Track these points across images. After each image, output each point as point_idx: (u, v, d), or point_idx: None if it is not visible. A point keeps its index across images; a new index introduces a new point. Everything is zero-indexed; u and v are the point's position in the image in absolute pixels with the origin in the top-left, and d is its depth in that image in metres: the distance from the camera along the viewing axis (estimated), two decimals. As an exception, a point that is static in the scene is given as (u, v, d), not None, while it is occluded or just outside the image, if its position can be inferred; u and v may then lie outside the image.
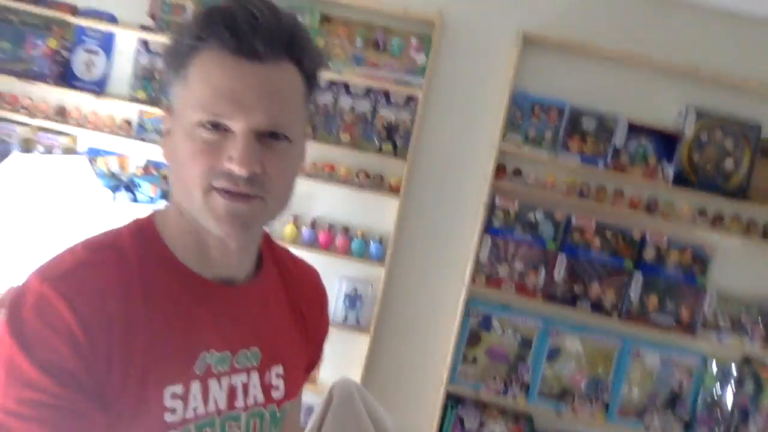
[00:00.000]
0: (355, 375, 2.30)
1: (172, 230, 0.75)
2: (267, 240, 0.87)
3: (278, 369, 0.82)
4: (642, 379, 2.37)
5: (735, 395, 2.35)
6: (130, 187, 2.50)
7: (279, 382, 0.82)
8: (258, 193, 0.69)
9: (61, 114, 2.54)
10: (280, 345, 0.82)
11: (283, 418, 0.84)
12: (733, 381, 2.36)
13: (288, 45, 0.69)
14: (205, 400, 0.74)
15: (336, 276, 2.36)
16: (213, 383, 0.74)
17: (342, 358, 2.35)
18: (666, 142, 2.30)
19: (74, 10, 2.47)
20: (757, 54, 2.28)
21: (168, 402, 0.70)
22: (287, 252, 0.91)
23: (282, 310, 0.85)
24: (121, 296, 0.69)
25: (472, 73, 2.32)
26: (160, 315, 0.71)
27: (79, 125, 2.52)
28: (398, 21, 2.32)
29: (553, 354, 2.37)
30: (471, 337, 2.37)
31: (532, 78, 2.30)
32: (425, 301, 2.39)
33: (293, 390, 0.85)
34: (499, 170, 2.30)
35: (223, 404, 0.75)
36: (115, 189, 2.47)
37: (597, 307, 2.33)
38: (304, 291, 0.89)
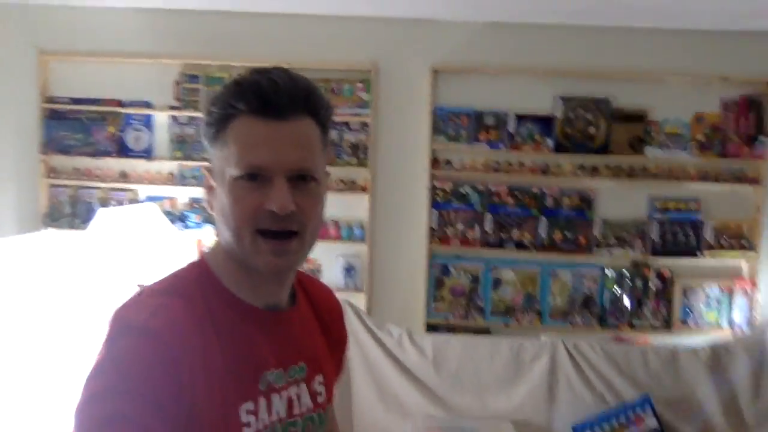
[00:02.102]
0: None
1: (224, 269, 0.87)
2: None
3: (320, 378, 0.94)
4: (561, 291, 3.33)
5: (629, 291, 3.31)
6: (182, 219, 3.50)
7: (321, 389, 0.94)
8: (296, 229, 0.82)
9: (124, 176, 3.52)
10: (318, 357, 0.95)
11: (327, 419, 0.97)
12: (626, 281, 3.32)
13: (305, 103, 0.83)
14: (270, 412, 0.85)
15: (334, 255, 3.35)
16: (275, 397, 0.86)
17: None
18: (545, 123, 3.27)
19: (121, 103, 3.46)
20: (594, 51, 3.24)
21: (243, 417, 0.82)
22: (307, 276, 1.04)
23: (314, 328, 0.97)
24: (198, 331, 0.79)
25: (403, 98, 3.30)
26: (228, 343, 0.82)
27: (138, 182, 3.51)
28: (346, 72, 3.31)
29: (496, 284, 3.34)
30: (436, 282, 3.35)
31: (445, 95, 3.28)
32: (399, 262, 3.37)
33: (330, 394, 0.98)
34: (434, 163, 3.28)
35: (283, 413, 0.87)
36: (172, 222, 3.47)
37: (520, 245, 3.30)
38: (326, 309, 1.01)
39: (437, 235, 3.30)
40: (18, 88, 3.41)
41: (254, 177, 0.80)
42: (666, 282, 3.28)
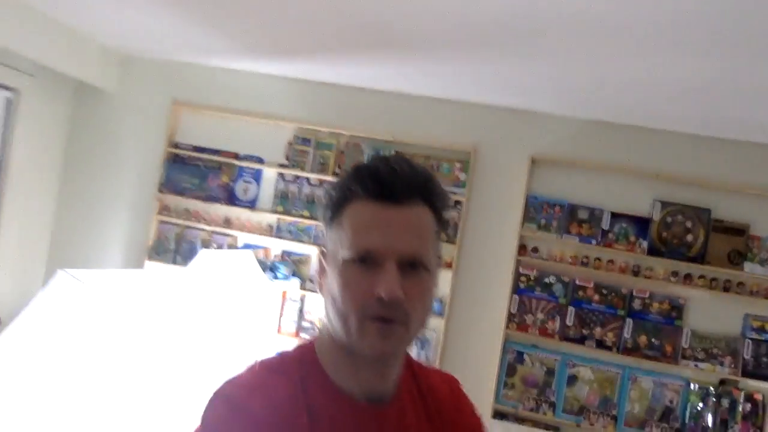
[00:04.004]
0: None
1: (328, 355, 0.86)
2: (407, 359, 0.94)
3: None
4: (640, 398, 3.19)
5: (714, 410, 3.12)
6: (272, 269, 3.69)
7: None
8: (401, 319, 0.79)
9: (227, 222, 3.80)
10: None
11: None
12: (712, 398, 3.14)
13: (422, 191, 0.83)
14: None
15: (412, 325, 3.40)
16: None
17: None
18: (641, 224, 3.25)
19: (237, 156, 3.76)
20: (698, 160, 3.23)
21: None
22: (422, 366, 0.98)
23: (418, 422, 0.90)
24: (288, 416, 0.80)
25: (499, 183, 3.40)
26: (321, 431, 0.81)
27: (239, 229, 3.76)
28: (447, 152, 3.46)
29: (571, 380, 3.25)
30: (509, 368, 3.31)
31: (540, 184, 3.35)
32: (474, 343, 3.36)
33: None
34: (521, 249, 3.32)
35: None
36: (263, 270, 3.67)
37: (601, 344, 3.22)
38: (441, 399, 0.94)
39: (515, 321, 3.29)
40: (149, 133, 3.81)
41: (365, 261, 0.80)
42: (757, 407, 3.07)
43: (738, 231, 3.19)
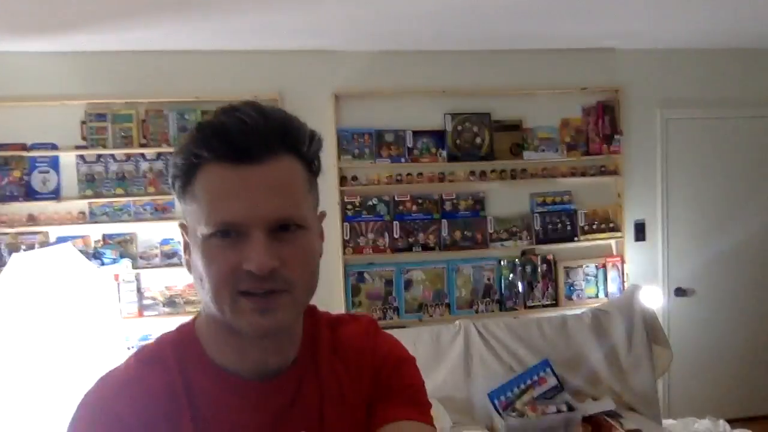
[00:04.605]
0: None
1: (209, 336, 0.79)
2: (310, 316, 0.87)
3: None
4: (465, 284, 3.73)
5: (521, 276, 3.77)
6: (97, 255, 3.53)
7: None
8: (282, 287, 0.71)
9: (32, 219, 3.50)
10: (327, 425, 0.81)
11: None
12: (518, 268, 3.78)
13: (282, 140, 0.72)
14: None
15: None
16: None
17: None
18: (438, 137, 3.67)
19: (25, 147, 3.45)
20: (475, 72, 3.71)
21: None
22: (338, 320, 0.91)
23: (331, 388, 0.83)
24: (164, 408, 0.74)
25: (310, 123, 3.56)
26: (204, 421, 0.75)
27: (47, 224, 3.51)
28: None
29: (407, 284, 3.68)
30: (353, 289, 3.63)
31: (347, 117, 3.60)
32: (321, 274, 3.61)
33: None
34: (342, 180, 3.58)
35: None
36: (87, 259, 3.50)
37: (425, 247, 3.66)
38: (357, 347, 0.87)
39: (350, 246, 3.59)
40: None
41: (228, 233, 0.71)
42: (551, 265, 3.77)
43: (514, 127, 3.77)
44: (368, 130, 3.61)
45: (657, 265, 3.88)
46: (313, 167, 0.79)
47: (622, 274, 3.79)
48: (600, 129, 3.82)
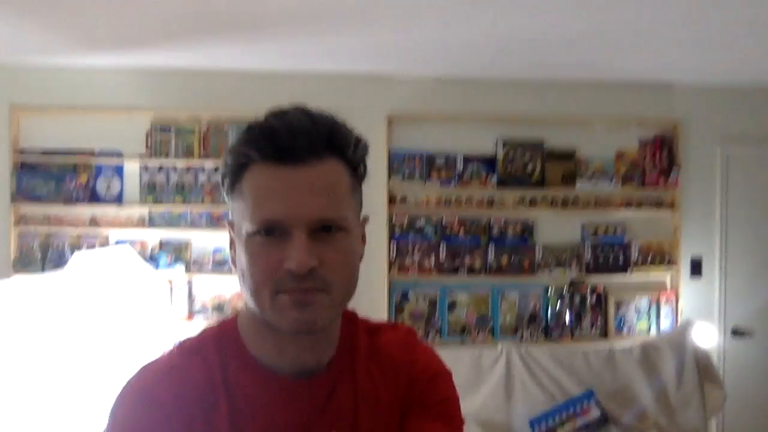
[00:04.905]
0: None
1: (250, 331, 0.80)
2: (349, 321, 0.88)
3: None
4: (510, 309, 3.67)
5: (569, 306, 3.68)
6: (153, 259, 3.66)
7: None
8: (320, 287, 0.73)
9: (94, 222, 3.67)
10: (360, 428, 0.82)
11: None
12: (566, 298, 3.69)
13: (328, 143, 0.75)
14: None
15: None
16: None
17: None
18: (489, 162, 3.68)
19: (93, 152, 3.64)
20: (530, 101, 3.71)
21: None
22: (376, 326, 0.91)
23: (366, 392, 0.83)
24: (203, 399, 0.75)
25: (362, 143, 3.64)
26: (241, 415, 0.76)
27: (108, 227, 3.67)
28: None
29: (451, 306, 3.65)
30: (397, 308, 3.63)
31: (399, 140, 3.65)
32: (363, 291, 3.60)
33: None
34: (391, 200, 3.62)
35: None
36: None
37: (471, 270, 3.64)
38: (394, 356, 0.87)
39: (396, 265, 3.60)
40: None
41: (271, 232, 0.73)
42: (600, 297, 3.68)
43: (567, 156, 3.73)
44: (419, 153, 3.65)
45: (713, 302, 3.73)
46: (357, 171, 0.81)
47: (676, 309, 3.66)
48: (657, 162, 3.74)
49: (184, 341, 0.83)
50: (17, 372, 1.99)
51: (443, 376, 0.89)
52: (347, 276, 0.77)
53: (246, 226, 0.74)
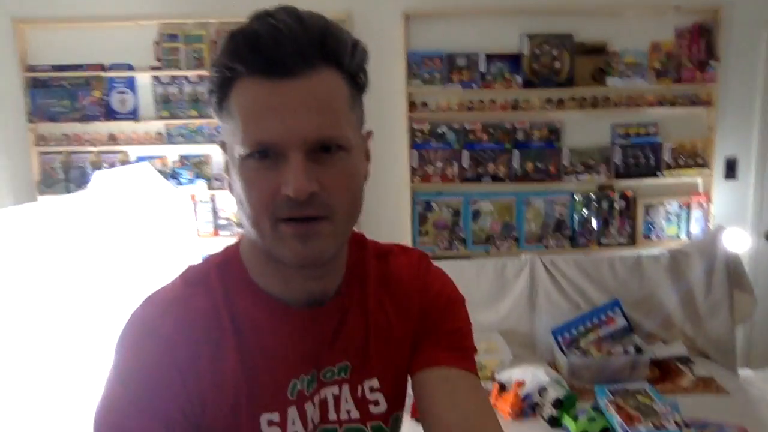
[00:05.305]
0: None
1: (252, 260, 0.76)
2: (358, 245, 0.85)
3: (372, 382, 0.80)
4: (535, 217, 3.61)
5: (597, 213, 3.60)
6: (174, 176, 3.65)
7: (377, 396, 0.80)
8: (322, 213, 0.67)
9: (113, 139, 3.64)
10: (371, 357, 0.80)
11: (396, 430, 0.83)
12: (593, 204, 3.60)
13: (320, 50, 0.66)
14: (304, 423, 0.75)
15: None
16: (308, 405, 0.76)
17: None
18: (513, 61, 3.47)
19: (104, 67, 3.54)
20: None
21: (265, 429, 0.73)
22: (386, 249, 0.88)
23: (378, 321, 0.81)
24: (208, 330, 0.72)
25: (378, 46, 3.44)
26: (248, 345, 0.73)
27: (127, 143, 3.64)
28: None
29: (475, 215, 3.60)
30: (420, 218, 3.59)
31: (417, 40, 3.45)
32: (385, 202, 3.59)
33: (400, 401, 0.84)
34: (411, 106, 3.47)
35: (317, 419, 0.77)
36: (165, 179, 3.62)
37: (495, 178, 3.54)
38: (405, 280, 0.84)
39: (418, 174, 3.52)
40: (-3, 60, 3.47)
41: (265, 154, 0.66)
42: (629, 202, 3.57)
43: (598, 50, 3.49)
44: (439, 54, 3.45)
45: (747, 206, 3.59)
46: (357, 81, 0.72)
47: (707, 214, 3.54)
48: (694, 54, 3.48)
49: (187, 270, 0.79)
50: (47, 296, 2.03)
51: (456, 303, 0.87)
52: (351, 199, 0.71)
53: (238, 149, 0.67)
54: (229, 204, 3.64)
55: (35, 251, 2.03)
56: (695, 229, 3.55)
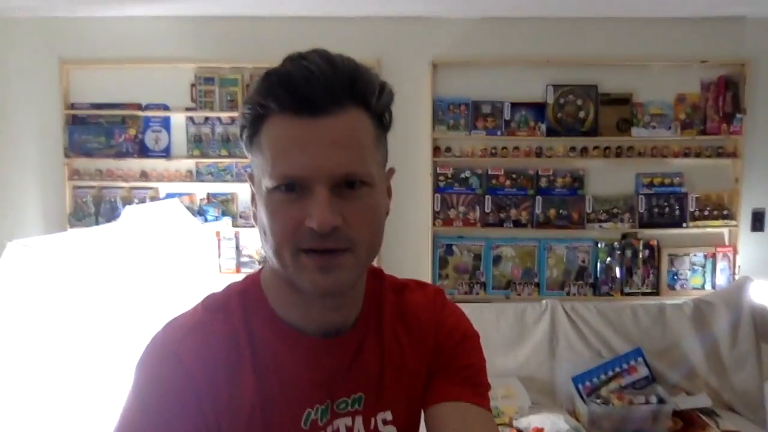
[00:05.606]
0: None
1: (273, 288, 0.79)
2: (375, 278, 0.86)
3: (386, 415, 0.80)
4: (557, 264, 3.59)
5: (620, 261, 3.57)
6: (201, 213, 3.74)
7: (390, 429, 0.81)
8: (344, 246, 0.69)
9: (144, 176, 3.75)
10: (385, 389, 0.81)
11: None
12: (616, 252, 3.58)
13: (350, 91, 0.70)
14: None
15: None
16: None
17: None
18: (538, 109, 3.52)
19: (140, 107, 3.68)
20: (581, 41, 3.50)
21: None
22: (403, 284, 0.89)
23: (393, 353, 0.82)
24: (227, 355, 0.74)
25: (405, 92, 3.54)
26: (265, 372, 0.75)
27: (158, 180, 3.74)
28: (351, 69, 3.55)
29: (496, 260, 3.60)
30: (441, 261, 3.60)
31: (444, 87, 3.53)
32: (407, 244, 3.60)
33: None
34: (436, 150, 3.54)
35: None
36: (192, 215, 3.70)
37: (517, 223, 3.55)
38: (420, 316, 0.86)
39: (440, 217, 3.55)
40: (41, 96, 3.63)
41: (292, 188, 0.69)
42: (653, 251, 3.54)
43: (623, 101, 3.53)
44: (465, 101, 3.52)
45: (774, 259, 3.54)
46: (382, 121, 0.75)
47: (733, 265, 3.49)
48: (720, 107, 3.50)
49: (208, 297, 0.81)
50: (73, 321, 2.08)
51: (471, 339, 0.88)
52: (372, 234, 0.73)
53: (265, 182, 0.71)
54: (253, 242, 3.70)
55: (63, 277, 2.08)
56: (720, 279, 3.49)
